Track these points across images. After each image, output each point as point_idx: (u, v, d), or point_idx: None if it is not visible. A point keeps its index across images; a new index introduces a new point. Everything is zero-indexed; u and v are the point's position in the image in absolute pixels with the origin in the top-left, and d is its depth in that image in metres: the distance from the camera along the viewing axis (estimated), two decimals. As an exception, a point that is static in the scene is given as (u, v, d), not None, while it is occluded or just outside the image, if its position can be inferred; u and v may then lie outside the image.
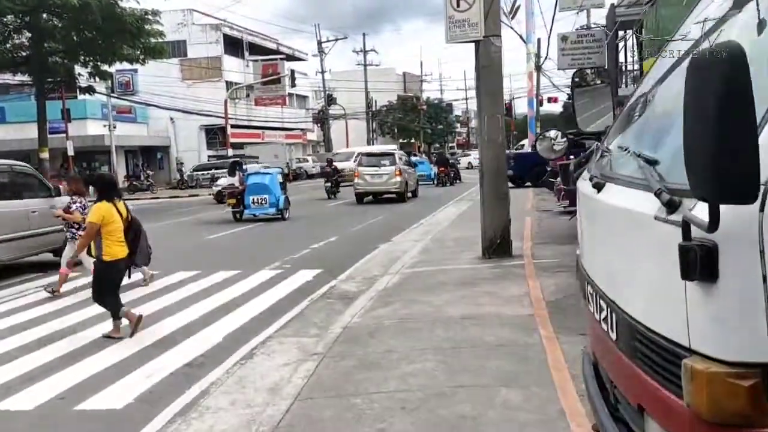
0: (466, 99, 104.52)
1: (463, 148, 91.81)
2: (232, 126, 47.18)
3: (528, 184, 29.16)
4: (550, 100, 69.25)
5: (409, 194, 28.01)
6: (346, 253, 13.60)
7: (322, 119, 66.24)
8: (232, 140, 46.07)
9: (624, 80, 35.03)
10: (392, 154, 28.30)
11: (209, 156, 51.17)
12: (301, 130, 67.05)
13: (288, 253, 13.65)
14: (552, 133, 4.18)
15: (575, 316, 7.03)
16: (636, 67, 37.21)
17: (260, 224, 20.63)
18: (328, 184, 30.07)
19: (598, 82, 4.22)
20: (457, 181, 37.47)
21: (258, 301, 9.47)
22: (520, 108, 55.41)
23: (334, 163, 32.13)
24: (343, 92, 69.90)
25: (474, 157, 51.64)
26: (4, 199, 12.01)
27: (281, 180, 21.72)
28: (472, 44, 11.34)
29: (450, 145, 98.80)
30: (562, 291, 8.36)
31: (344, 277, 10.90)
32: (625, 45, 36.49)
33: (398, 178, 26.71)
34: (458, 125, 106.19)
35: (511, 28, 24.40)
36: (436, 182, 35.20)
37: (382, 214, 22.31)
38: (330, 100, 66.14)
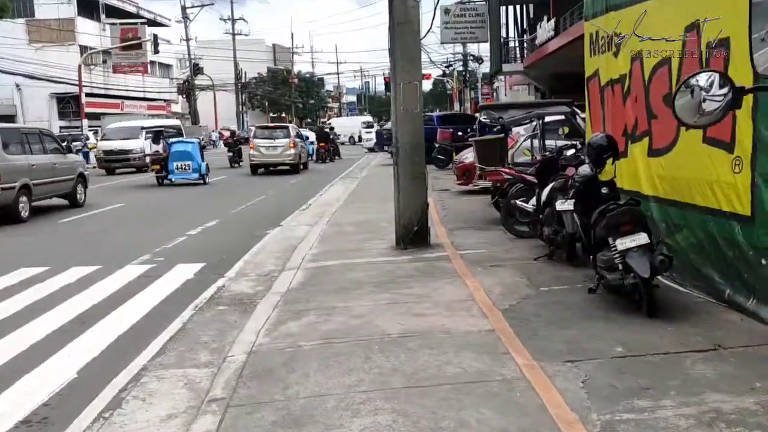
0: (338, 74, 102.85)
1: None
2: (88, 95, 43.10)
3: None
4: (423, 76, 68.95)
5: (301, 166, 28.58)
6: (230, 241, 11.62)
7: (187, 90, 62.29)
8: (88, 110, 42.04)
9: (507, 56, 34.44)
10: (286, 127, 29.33)
11: (61, 127, 46.66)
12: (165, 100, 62.87)
13: (160, 242, 11.49)
14: (702, 79, 2.50)
15: (547, 332, 5.57)
16: (516, 44, 36.76)
17: (130, 202, 18.19)
18: (231, 153, 32.19)
19: None
20: (337, 157, 35.83)
21: (125, 311, 7.40)
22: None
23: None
24: (210, 62, 66.11)
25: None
26: (38, 154, 16.12)
27: (200, 149, 24.24)
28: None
29: (322, 120, 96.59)
30: (512, 294, 6.86)
31: (233, 273, 8.96)
32: (507, 20, 35.91)
33: (292, 150, 27.24)
34: (330, 100, 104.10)
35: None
36: (315, 158, 33.34)
37: (270, 191, 20.33)
38: (196, 69, 62.32)
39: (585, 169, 6.81)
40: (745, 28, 5.47)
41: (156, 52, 47.27)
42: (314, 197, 17.97)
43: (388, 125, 43.46)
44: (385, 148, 31.71)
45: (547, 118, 11.90)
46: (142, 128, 31.15)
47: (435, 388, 4.56)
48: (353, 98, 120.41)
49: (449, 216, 12.77)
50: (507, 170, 10.49)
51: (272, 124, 33.04)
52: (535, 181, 9.17)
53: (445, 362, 5.01)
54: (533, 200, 9.21)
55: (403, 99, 9.48)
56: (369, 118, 68.59)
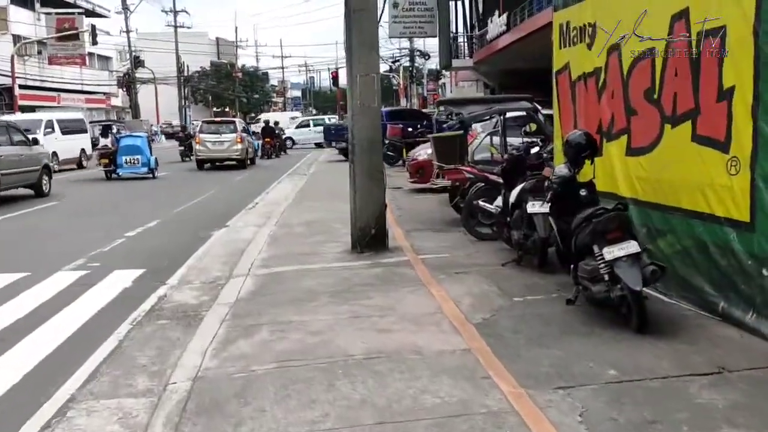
0: (283, 68, 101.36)
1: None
2: (21, 86, 41.23)
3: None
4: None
5: (248, 161, 28.06)
6: (172, 243, 10.82)
7: (128, 83, 60.28)
8: (22, 103, 40.10)
9: (456, 51, 34.09)
10: (233, 122, 29.00)
11: (-7, 120, 44.45)
12: (105, 94, 60.76)
13: (96, 244, 10.61)
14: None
15: (529, 351, 5.02)
16: (464, 39, 36.40)
17: (68, 198, 17.16)
18: (182, 147, 31.79)
19: None
20: (283, 152, 34.96)
21: (53, 326, 6.59)
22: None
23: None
24: (151, 55, 64.25)
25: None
26: (5, 145, 16.93)
27: (149, 143, 24.40)
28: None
29: (255, 116, 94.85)
30: (483, 305, 6.30)
31: (176, 280, 8.21)
32: (456, 14, 35.53)
33: (240, 145, 26.84)
34: (275, 95, 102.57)
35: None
36: (261, 153, 32.41)
37: (215, 187, 19.49)
38: (137, 62, 60.35)
39: (562, 169, 6.28)
40: (744, 14, 5.03)
41: (94, 43, 45.42)
42: (261, 195, 17.22)
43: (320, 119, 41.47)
44: (333, 144, 31.05)
45: (507, 114, 11.43)
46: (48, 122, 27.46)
47: (412, 424, 3.95)
48: (298, 93, 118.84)
49: (404, 216, 12.20)
50: (469, 169, 9.95)
51: (219, 119, 33.14)
52: (501, 181, 8.65)
53: (421, 390, 4.41)
54: (498, 201, 8.69)
55: (360, 92, 8.84)
56: (297, 114, 65.28)
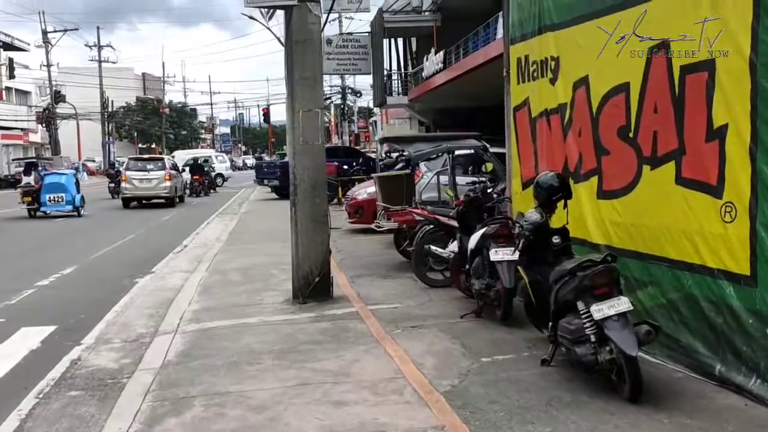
0: (211, 104, 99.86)
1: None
2: (-69, 121, 38.90)
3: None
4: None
5: (177, 199, 27.10)
6: (90, 293, 9.78)
7: (48, 118, 57.89)
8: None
9: (390, 89, 33.82)
10: (162, 159, 28.28)
11: None
12: (22, 130, 58.16)
13: (1, 297, 9.47)
14: None
15: (512, 429, 4.31)
16: (397, 77, 36.20)
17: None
18: (112, 184, 30.83)
19: None
20: (212, 190, 33.76)
21: (-59, 403, 5.56)
22: (278, 115, 52.62)
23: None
24: (74, 90, 61.95)
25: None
26: None
27: (76, 180, 23.65)
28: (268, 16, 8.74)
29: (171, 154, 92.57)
30: (449, 367, 5.59)
31: (92, 339, 7.21)
32: (390, 52, 35.32)
33: (168, 183, 25.99)
34: (203, 131, 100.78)
35: (269, 29, 21.91)
36: (189, 191, 31.14)
37: (141, 228, 18.22)
38: (57, 97, 58.07)
39: (533, 214, 5.68)
40: (738, 47, 4.55)
41: (11, 77, 43.74)
42: (191, 236, 16.17)
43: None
44: (265, 182, 30.10)
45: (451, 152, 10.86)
46: None
47: None
48: (227, 130, 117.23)
49: (347, 260, 11.43)
50: (419, 211, 9.30)
51: (146, 156, 32.89)
52: (454, 224, 8.03)
53: (393, 487, 3.65)
54: (452, 246, 8.05)
55: (303, 129, 8.13)
56: (209, 152, 61.42)
